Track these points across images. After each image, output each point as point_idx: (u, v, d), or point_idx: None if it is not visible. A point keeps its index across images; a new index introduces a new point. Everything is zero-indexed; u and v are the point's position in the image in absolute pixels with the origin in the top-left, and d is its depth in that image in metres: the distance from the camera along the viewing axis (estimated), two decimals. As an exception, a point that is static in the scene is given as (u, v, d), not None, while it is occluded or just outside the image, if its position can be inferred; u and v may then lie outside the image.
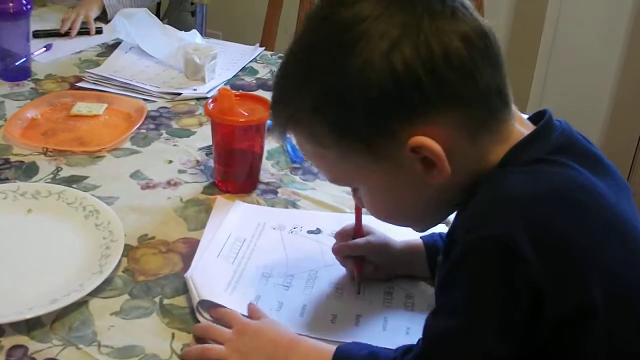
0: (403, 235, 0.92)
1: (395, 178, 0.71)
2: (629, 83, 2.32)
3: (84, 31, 1.68)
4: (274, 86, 0.75)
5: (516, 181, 0.67)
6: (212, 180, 1.13)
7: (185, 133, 1.28)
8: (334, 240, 0.94)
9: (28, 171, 1.14)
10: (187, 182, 1.13)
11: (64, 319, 0.84)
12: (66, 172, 1.14)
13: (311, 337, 0.81)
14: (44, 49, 1.58)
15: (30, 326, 0.82)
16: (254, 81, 1.51)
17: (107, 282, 0.89)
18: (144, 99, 1.39)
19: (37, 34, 1.62)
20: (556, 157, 0.69)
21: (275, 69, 1.54)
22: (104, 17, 1.76)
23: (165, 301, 0.88)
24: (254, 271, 0.93)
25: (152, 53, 1.56)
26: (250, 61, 1.59)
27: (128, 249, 0.96)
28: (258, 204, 1.09)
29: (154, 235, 1.00)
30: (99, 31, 1.69)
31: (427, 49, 0.65)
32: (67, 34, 1.65)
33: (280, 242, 0.99)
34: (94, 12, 1.73)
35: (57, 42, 1.63)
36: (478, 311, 0.65)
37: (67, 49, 1.61)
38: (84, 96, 1.37)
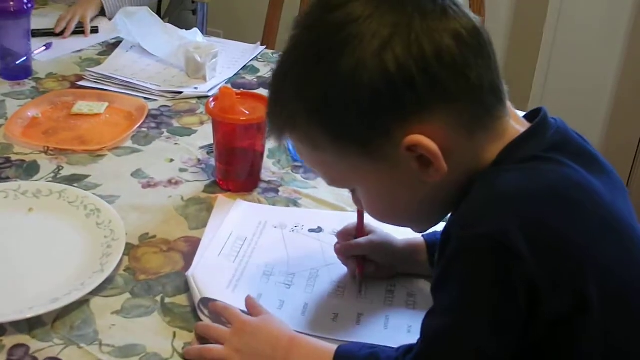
0: (404, 234, 0.92)
1: (391, 178, 0.71)
2: (629, 83, 2.32)
3: (80, 31, 1.67)
4: (269, 91, 0.75)
5: (511, 179, 0.67)
6: (213, 179, 1.13)
7: (187, 132, 1.28)
8: (335, 239, 0.94)
9: (29, 170, 1.14)
10: (188, 181, 1.13)
11: (65, 318, 0.84)
12: (67, 171, 1.14)
13: (313, 335, 0.81)
14: (44, 47, 1.58)
15: (31, 325, 0.82)
16: (255, 80, 1.51)
17: (108, 281, 0.89)
18: (145, 98, 1.39)
19: (34, 33, 1.61)
20: (551, 155, 0.69)
21: (276, 67, 1.53)
22: (104, 15, 1.76)
23: (167, 300, 0.88)
24: (255, 270, 0.93)
25: (153, 52, 1.56)
26: (252, 60, 1.59)
27: (129, 248, 0.96)
28: (259, 202, 1.09)
29: (155, 234, 1.00)
30: (94, 31, 1.69)
31: (419, 47, 0.65)
32: (61, 34, 1.65)
33: (282, 240, 0.99)
34: (91, 12, 1.72)
35: (56, 41, 1.63)
36: (473, 309, 0.65)
37: (66, 48, 1.60)
38: (84, 95, 1.37)
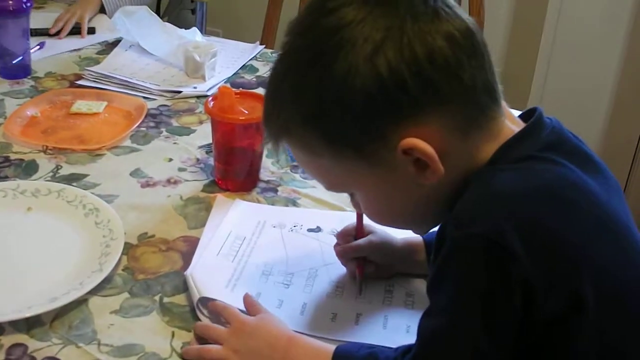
0: (404, 233, 0.91)
1: (388, 181, 0.71)
2: (629, 82, 2.32)
3: (76, 31, 1.67)
4: (265, 97, 0.74)
5: (506, 178, 0.67)
6: (212, 179, 1.13)
7: (185, 131, 1.28)
8: (334, 239, 0.94)
9: (28, 169, 1.14)
10: (187, 180, 1.13)
11: (63, 318, 0.84)
12: (66, 170, 1.14)
13: (311, 335, 0.80)
14: (38, 47, 1.58)
15: (29, 324, 0.82)
16: (254, 79, 1.51)
17: (107, 280, 0.89)
18: (144, 97, 1.39)
19: (31, 32, 1.61)
20: (547, 155, 0.69)
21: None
22: (104, 13, 1.76)
23: (165, 299, 0.88)
24: (254, 269, 0.93)
25: (152, 51, 1.56)
26: (251, 59, 1.59)
27: (128, 247, 0.96)
28: (258, 202, 1.09)
29: (153, 234, 1.00)
30: (91, 31, 1.68)
31: (411, 50, 0.65)
32: (57, 34, 1.64)
33: (281, 240, 0.99)
34: (90, 13, 1.71)
35: (52, 40, 1.62)
36: (468, 309, 0.65)
37: (61, 47, 1.60)
38: (83, 94, 1.37)
